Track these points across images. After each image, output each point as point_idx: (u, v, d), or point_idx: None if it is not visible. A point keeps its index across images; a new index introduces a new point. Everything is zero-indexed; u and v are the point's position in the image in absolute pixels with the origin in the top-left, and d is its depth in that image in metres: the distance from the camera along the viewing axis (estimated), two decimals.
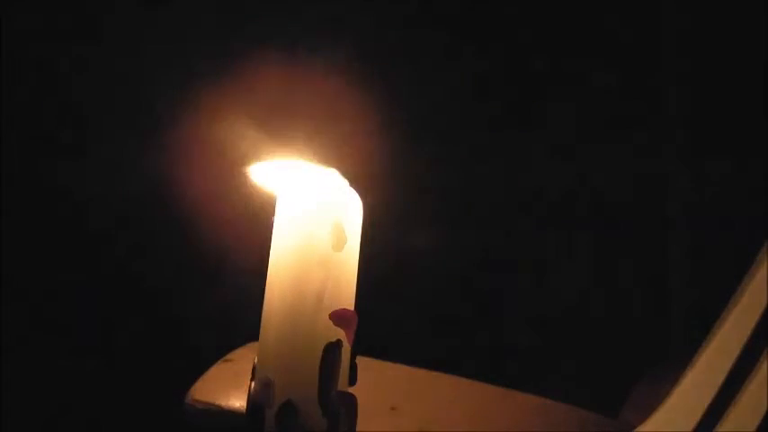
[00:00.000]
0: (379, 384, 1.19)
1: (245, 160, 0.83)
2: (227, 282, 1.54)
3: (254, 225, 0.92)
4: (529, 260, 1.56)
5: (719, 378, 1.09)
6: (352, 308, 0.83)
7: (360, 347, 0.83)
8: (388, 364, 1.23)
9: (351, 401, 0.82)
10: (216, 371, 1.18)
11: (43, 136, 1.60)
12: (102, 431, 1.54)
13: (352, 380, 0.83)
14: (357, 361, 0.83)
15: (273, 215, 0.84)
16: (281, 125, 1.55)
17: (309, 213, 0.82)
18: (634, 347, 1.43)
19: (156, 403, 1.45)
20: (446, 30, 1.56)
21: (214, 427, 1.13)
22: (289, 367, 0.81)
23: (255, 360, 0.83)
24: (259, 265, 0.85)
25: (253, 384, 0.82)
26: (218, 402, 1.13)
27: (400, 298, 1.54)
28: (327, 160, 0.86)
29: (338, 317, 0.81)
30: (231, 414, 1.11)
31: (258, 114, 1.56)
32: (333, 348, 0.81)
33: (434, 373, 1.24)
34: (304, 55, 1.57)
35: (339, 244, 0.82)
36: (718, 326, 1.11)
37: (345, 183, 0.84)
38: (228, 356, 1.20)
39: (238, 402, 1.11)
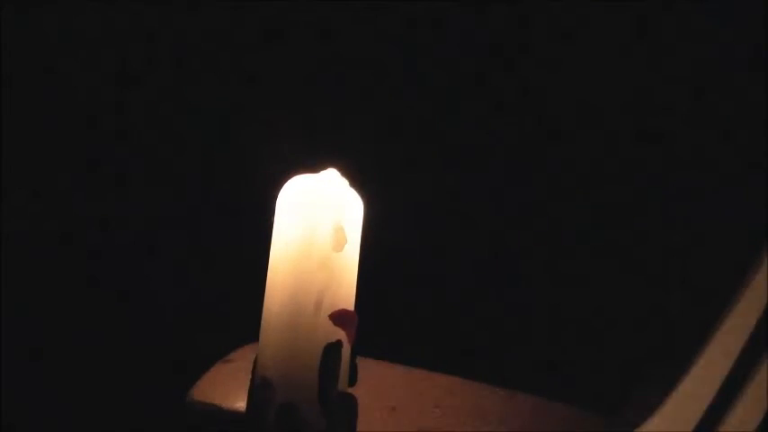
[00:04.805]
0: (379, 384, 1.19)
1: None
2: (227, 282, 1.54)
3: (255, 225, 0.92)
4: (529, 261, 1.56)
5: (719, 378, 1.10)
6: (352, 308, 0.83)
7: (360, 348, 0.83)
8: (388, 365, 1.23)
9: (351, 401, 0.82)
10: (216, 371, 1.18)
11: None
12: (103, 431, 1.54)
13: (352, 380, 0.83)
14: (357, 361, 0.83)
15: (273, 216, 0.84)
16: (282, 126, 1.56)
17: (309, 214, 0.82)
18: (634, 347, 1.43)
19: (157, 403, 1.45)
20: (446, 30, 1.56)
21: (214, 427, 1.13)
22: (289, 367, 0.81)
23: (255, 360, 0.83)
24: (259, 266, 0.85)
25: (253, 384, 0.82)
26: (218, 402, 1.13)
27: (399, 298, 1.54)
28: (327, 160, 0.86)
29: (338, 317, 0.81)
30: (231, 414, 1.11)
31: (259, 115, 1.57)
32: (333, 349, 0.81)
33: (434, 374, 1.24)
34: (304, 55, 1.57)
35: (339, 245, 0.82)
36: (718, 326, 1.11)
37: (345, 183, 0.84)
38: (228, 356, 1.21)
39: (238, 402, 1.11)
